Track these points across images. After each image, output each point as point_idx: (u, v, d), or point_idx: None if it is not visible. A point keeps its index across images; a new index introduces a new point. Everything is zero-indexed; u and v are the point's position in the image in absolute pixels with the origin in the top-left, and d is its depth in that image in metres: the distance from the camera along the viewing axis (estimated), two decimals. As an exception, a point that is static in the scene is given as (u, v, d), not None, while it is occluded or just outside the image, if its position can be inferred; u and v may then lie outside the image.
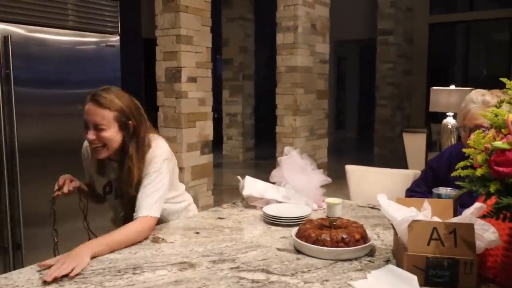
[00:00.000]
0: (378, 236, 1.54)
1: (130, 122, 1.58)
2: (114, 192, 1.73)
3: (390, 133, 9.04)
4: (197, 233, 1.56)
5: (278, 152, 6.05)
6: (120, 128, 1.57)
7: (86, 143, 1.77)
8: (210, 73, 4.75)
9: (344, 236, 1.34)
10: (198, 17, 4.46)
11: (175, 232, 1.58)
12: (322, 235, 1.35)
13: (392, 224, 1.29)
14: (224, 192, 6.06)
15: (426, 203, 1.34)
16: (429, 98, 4.95)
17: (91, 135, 1.55)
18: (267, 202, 1.85)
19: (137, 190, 1.57)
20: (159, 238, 1.51)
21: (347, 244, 1.33)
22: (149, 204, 1.53)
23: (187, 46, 4.38)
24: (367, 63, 11.49)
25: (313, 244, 1.34)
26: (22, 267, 2.44)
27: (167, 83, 4.50)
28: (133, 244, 1.44)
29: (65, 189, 1.68)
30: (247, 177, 1.94)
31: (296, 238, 1.39)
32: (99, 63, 2.95)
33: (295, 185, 1.87)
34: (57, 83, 2.69)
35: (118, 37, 3.05)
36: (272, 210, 1.72)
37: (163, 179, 1.59)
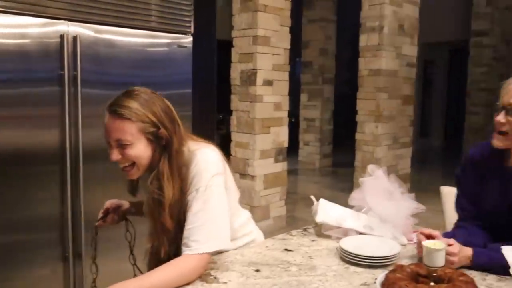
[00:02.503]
0: (492, 291, 1.19)
1: (160, 131, 1.28)
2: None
3: (483, 143, 8.23)
4: (258, 270, 1.30)
5: (357, 161, 5.67)
6: (149, 140, 1.28)
7: None
8: (287, 76, 4.50)
9: (450, 296, 1.02)
10: (277, 16, 4.24)
11: (231, 267, 1.33)
12: (419, 291, 1.04)
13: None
14: (298, 201, 5.77)
15: None
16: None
17: (115, 155, 1.29)
18: (345, 232, 1.55)
19: (173, 219, 1.28)
20: (210, 276, 1.26)
21: (453, 306, 1.01)
22: (202, 236, 1.22)
23: (264, 47, 4.17)
24: (457, 67, 10.65)
25: (406, 303, 1.03)
26: (82, 277, 2.37)
27: (241, 86, 4.32)
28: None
29: (109, 219, 1.49)
30: (322, 200, 1.64)
31: (382, 291, 1.09)
32: (170, 65, 2.81)
33: (379, 212, 1.55)
34: (126, 85, 2.53)
35: (191, 38, 2.90)
36: (351, 244, 1.41)
37: (218, 200, 1.27)
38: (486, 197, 1.52)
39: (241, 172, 4.32)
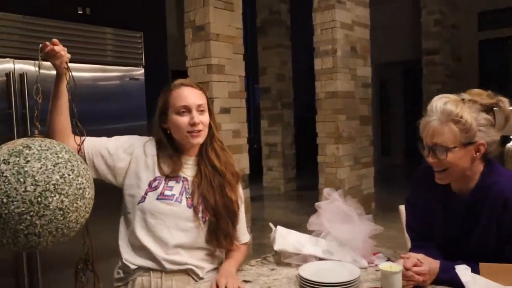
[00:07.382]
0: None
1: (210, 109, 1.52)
2: (186, 197, 1.46)
3: (442, 158, 8.46)
4: (216, 306, 1.26)
5: (321, 183, 5.69)
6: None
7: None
8: (244, 103, 4.51)
9: (407, 318, 1.00)
10: (229, 45, 4.27)
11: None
12: (377, 315, 1.02)
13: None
14: (265, 228, 5.67)
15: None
16: (485, 120, 4.48)
17: (196, 117, 1.44)
18: (305, 258, 1.52)
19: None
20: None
21: (411, 329, 0.99)
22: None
23: (219, 75, 4.18)
24: (412, 85, 11.00)
25: (365, 329, 1.01)
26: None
27: (200, 115, 4.30)
28: None
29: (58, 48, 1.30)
30: (279, 228, 1.62)
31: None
32: (123, 97, 2.78)
33: (338, 236, 1.54)
34: (79, 120, 2.50)
35: (142, 70, 2.88)
36: (310, 271, 1.38)
37: None
38: (433, 222, 1.48)
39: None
